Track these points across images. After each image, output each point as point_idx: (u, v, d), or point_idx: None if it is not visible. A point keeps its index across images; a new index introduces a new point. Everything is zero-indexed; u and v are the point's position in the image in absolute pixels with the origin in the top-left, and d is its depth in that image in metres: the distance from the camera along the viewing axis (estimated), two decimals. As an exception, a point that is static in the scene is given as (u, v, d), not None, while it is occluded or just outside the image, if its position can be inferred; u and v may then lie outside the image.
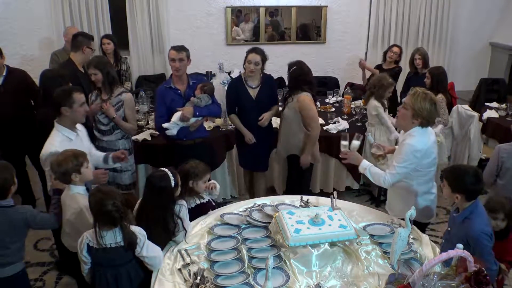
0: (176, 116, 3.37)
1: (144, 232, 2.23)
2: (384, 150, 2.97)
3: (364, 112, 4.56)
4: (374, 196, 4.50)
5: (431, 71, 4.24)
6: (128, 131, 3.49)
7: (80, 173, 2.48)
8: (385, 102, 4.13)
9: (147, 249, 2.22)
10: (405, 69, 5.30)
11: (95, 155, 3.01)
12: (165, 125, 3.39)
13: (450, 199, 2.41)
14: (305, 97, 3.50)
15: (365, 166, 2.72)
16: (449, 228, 2.46)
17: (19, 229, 2.43)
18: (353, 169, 4.53)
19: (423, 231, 2.66)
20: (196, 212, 2.73)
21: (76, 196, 2.48)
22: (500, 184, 3.06)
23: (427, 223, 2.89)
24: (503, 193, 2.96)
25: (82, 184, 2.52)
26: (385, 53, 5.22)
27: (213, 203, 2.90)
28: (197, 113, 3.41)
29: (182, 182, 2.54)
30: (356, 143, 2.84)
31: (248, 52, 3.65)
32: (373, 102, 4.04)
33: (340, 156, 2.87)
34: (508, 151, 2.99)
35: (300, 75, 3.55)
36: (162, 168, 2.46)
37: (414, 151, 2.55)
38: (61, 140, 2.74)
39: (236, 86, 3.76)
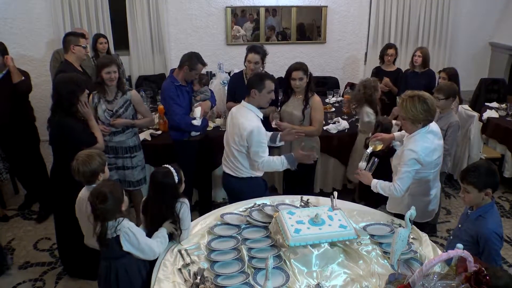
0: (198, 112, 3.50)
1: (134, 229, 2.22)
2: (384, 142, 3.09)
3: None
4: (374, 196, 4.49)
5: (448, 72, 4.14)
6: (148, 124, 3.69)
7: (104, 172, 2.54)
8: (378, 108, 4.02)
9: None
10: (404, 68, 5.28)
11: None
12: (195, 122, 3.49)
13: (476, 201, 2.31)
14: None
15: (375, 183, 2.79)
16: (459, 225, 2.44)
17: None
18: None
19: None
20: None
21: None
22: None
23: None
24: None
25: None
26: (381, 55, 5.15)
27: None
28: (213, 104, 3.77)
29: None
30: (362, 164, 2.93)
31: (248, 51, 3.79)
32: (366, 109, 3.96)
33: (355, 173, 2.97)
34: (458, 119, 3.68)
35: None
36: (165, 165, 2.45)
37: (415, 158, 2.60)
38: (254, 115, 2.97)
39: (237, 80, 3.93)
